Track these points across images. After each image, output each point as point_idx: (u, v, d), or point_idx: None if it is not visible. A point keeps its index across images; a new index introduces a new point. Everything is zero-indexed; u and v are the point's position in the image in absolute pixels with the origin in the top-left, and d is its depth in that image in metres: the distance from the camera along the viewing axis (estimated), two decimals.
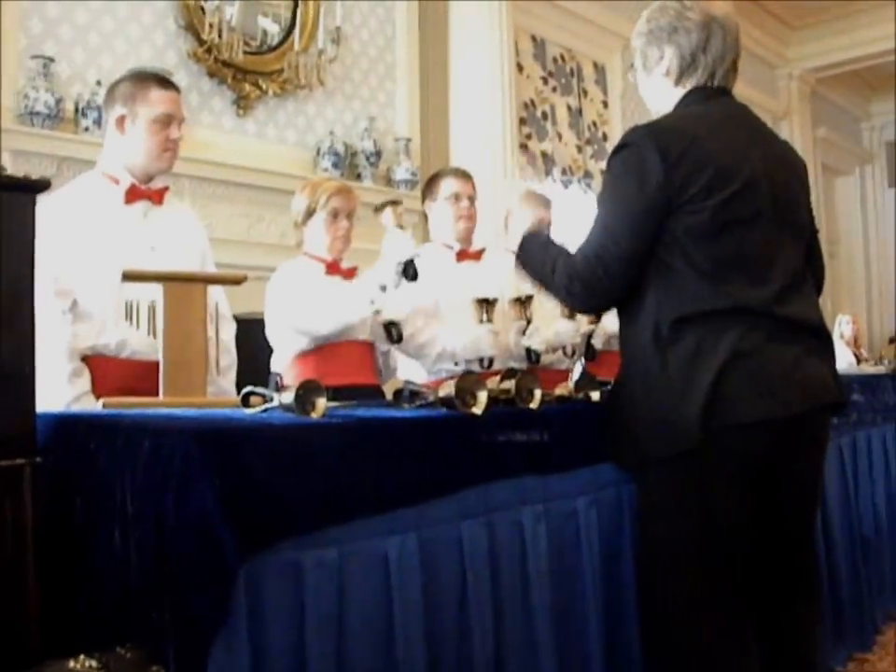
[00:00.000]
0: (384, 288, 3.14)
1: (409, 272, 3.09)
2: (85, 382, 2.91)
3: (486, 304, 3.53)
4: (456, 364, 3.69)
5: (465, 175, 4.04)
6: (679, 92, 2.48)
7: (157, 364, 2.73)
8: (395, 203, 3.21)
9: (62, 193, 3.08)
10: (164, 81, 3.15)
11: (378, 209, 3.21)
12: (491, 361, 3.64)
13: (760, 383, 2.22)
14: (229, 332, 3.34)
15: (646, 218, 2.28)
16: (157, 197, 3.15)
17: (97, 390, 2.90)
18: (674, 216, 2.26)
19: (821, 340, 2.42)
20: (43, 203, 2.95)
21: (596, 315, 2.29)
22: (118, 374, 2.94)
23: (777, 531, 2.41)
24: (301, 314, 3.28)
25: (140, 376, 2.86)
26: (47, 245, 2.83)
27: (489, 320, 3.54)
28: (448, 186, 3.97)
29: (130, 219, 3.07)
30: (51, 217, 2.93)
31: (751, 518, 2.32)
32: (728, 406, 2.20)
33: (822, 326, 2.44)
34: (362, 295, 3.20)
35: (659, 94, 2.54)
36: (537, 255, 2.55)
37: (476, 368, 3.57)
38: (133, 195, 3.08)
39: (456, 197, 3.95)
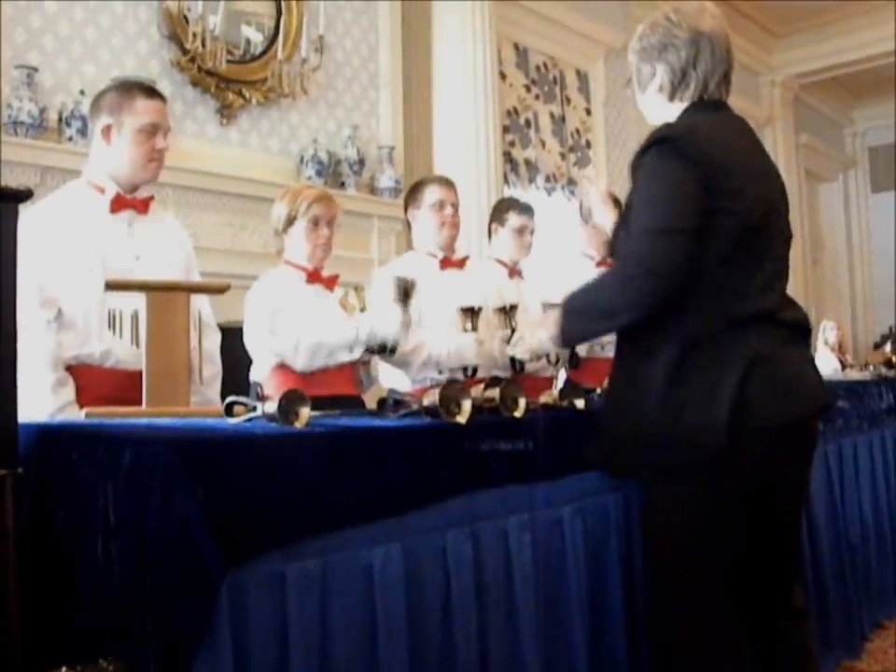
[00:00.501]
0: (351, 348, 3.24)
1: (383, 348, 3.21)
2: (69, 391, 2.90)
3: (471, 313, 3.52)
4: (440, 372, 3.69)
5: (448, 183, 4.05)
6: (676, 107, 2.51)
7: (142, 374, 2.73)
8: (357, 287, 3.25)
9: (47, 202, 3.07)
10: (150, 91, 3.14)
11: (343, 298, 3.22)
12: (475, 370, 3.65)
13: (777, 386, 2.28)
14: (213, 342, 3.33)
15: (695, 202, 2.27)
16: (142, 206, 3.14)
17: (82, 400, 2.88)
18: (710, 216, 2.27)
19: (809, 344, 2.52)
20: (28, 211, 2.98)
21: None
22: (102, 384, 2.92)
23: (769, 531, 2.44)
24: (281, 344, 3.30)
25: (125, 386, 2.85)
26: (31, 253, 2.83)
27: (473, 329, 3.53)
28: (432, 193, 3.98)
29: (115, 229, 3.06)
30: (36, 226, 2.92)
31: (751, 519, 2.35)
32: (751, 410, 2.23)
33: (810, 330, 2.51)
34: (345, 341, 3.25)
35: (655, 110, 2.57)
36: (578, 303, 2.49)
37: (460, 376, 3.57)
38: (118, 204, 3.07)
39: (440, 205, 3.96)
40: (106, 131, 3.05)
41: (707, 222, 2.25)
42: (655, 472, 2.36)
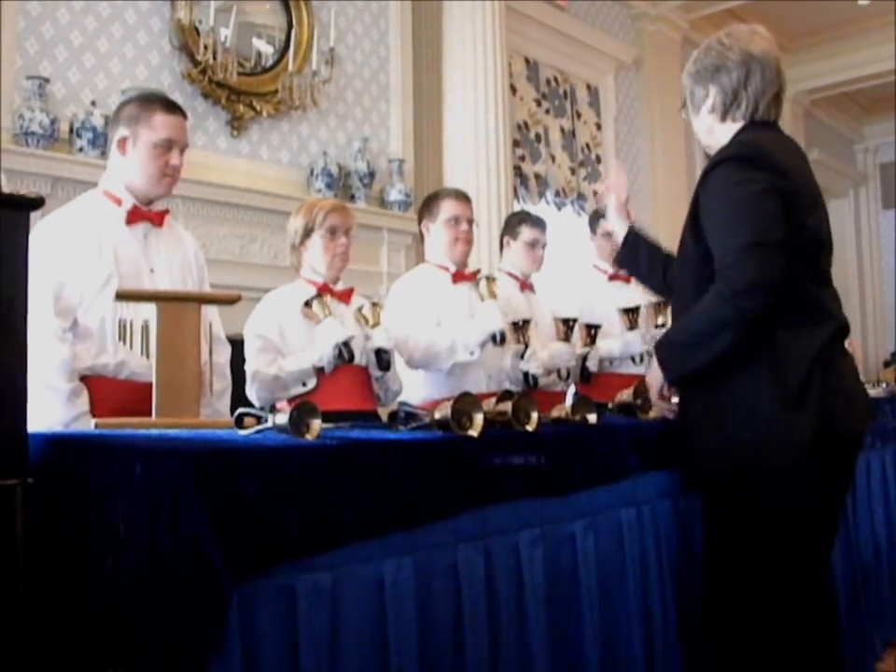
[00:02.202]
0: (321, 369, 3.28)
1: (344, 354, 3.24)
2: (84, 402, 2.88)
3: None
4: (472, 354, 3.73)
5: (465, 198, 4.05)
6: (727, 127, 2.63)
7: None
8: (320, 295, 3.30)
9: (64, 211, 3.07)
10: (170, 106, 3.13)
11: (307, 303, 3.29)
12: (503, 337, 3.73)
13: (845, 398, 2.43)
14: (224, 355, 3.32)
15: (780, 216, 2.37)
16: (158, 219, 3.13)
17: (96, 411, 2.86)
18: (788, 231, 2.37)
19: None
20: (46, 220, 2.97)
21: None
22: (116, 396, 2.90)
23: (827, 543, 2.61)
24: (248, 372, 3.36)
25: (139, 398, 2.83)
26: (48, 262, 2.83)
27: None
28: (448, 208, 3.98)
29: (130, 240, 3.05)
30: (53, 235, 2.92)
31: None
32: (831, 420, 2.37)
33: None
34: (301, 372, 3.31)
35: (708, 130, 2.71)
36: (677, 336, 2.62)
37: (491, 348, 3.75)
38: (134, 216, 3.06)
39: (456, 220, 3.96)
40: (122, 142, 3.04)
41: (789, 236, 2.35)
42: (747, 480, 2.43)
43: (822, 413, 2.35)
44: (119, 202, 3.05)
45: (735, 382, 2.42)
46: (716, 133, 2.67)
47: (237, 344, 3.44)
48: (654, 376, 2.67)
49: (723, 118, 2.64)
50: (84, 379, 2.92)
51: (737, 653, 2.46)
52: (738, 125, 2.61)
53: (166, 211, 3.18)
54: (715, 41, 2.68)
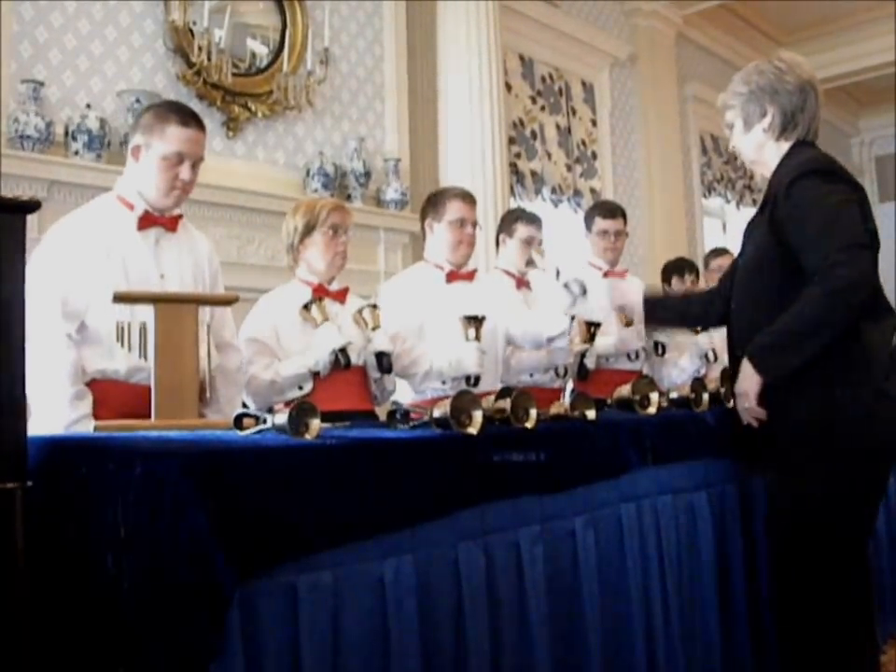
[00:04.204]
0: (316, 374, 3.28)
1: (340, 360, 3.24)
2: (86, 405, 2.85)
3: (475, 322, 3.52)
4: (444, 383, 3.68)
5: (471, 200, 4.02)
6: (780, 146, 2.86)
7: None
8: (319, 299, 3.29)
9: (76, 215, 3.05)
10: (187, 118, 3.06)
11: (306, 307, 3.28)
12: (477, 379, 3.62)
13: None
14: (234, 361, 3.27)
15: (863, 221, 2.65)
16: (171, 224, 3.10)
17: (105, 414, 2.82)
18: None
19: None
20: (58, 224, 2.97)
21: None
22: (125, 400, 2.87)
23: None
24: (252, 385, 3.35)
25: (148, 402, 2.83)
26: (57, 265, 2.82)
27: (476, 338, 3.53)
28: (455, 210, 3.94)
29: (141, 246, 3.03)
30: (64, 238, 2.90)
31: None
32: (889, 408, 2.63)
33: None
34: (301, 372, 3.31)
35: (758, 147, 2.91)
36: (775, 338, 2.71)
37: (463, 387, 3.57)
38: (145, 222, 3.03)
39: (461, 223, 3.93)
40: (136, 150, 3.03)
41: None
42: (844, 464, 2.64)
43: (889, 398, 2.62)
44: (131, 207, 3.03)
45: (832, 378, 2.62)
46: (765, 150, 2.87)
47: None
48: (750, 382, 2.73)
49: (779, 137, 2.84)
50: (92, 382, 2.91)
51: (804, 631, 2.69)
52: (788, 144, 2.84)
53: (180, 216, 3.15)
54: (767, 64, 2.86)
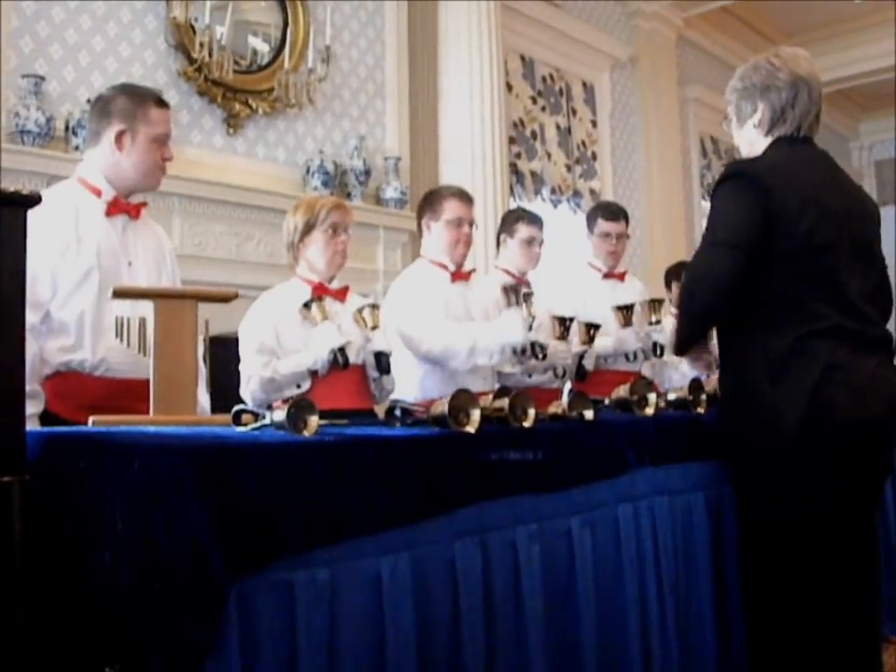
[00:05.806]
0: (315, 372, 3.26)
1: (339, 359, 3.22)
2: (36, 405, 2.76)
3: (514, 292, 3.76)
4: (492, 358, 3.79)
5: (469, 200, 4.02)
6: (769, 142, 2.85)
7: (135, 382, 2.75)
8: (320, 298, 3.28)
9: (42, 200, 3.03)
10: (161, 100, 3.15)
11: (306, 305, 3.26)
12: (543, 349, 3.79)
13: (852, 388, 2.58)
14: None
15: (754, 230, 2.61)
16: (135, 212, 3.11)
17: (67, 408, 2.81)
18: (771, 239, 2.60)
19: (891, 355, 2.80)
20: None
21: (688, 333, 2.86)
22: (93, 392, 2.85)
23: (853, 522, 2.72)
24: (243, 376, 3.34)
25: (117, 394, 2.82)
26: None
27: (517, 304, 3.75)
28: (452, 209, 3.95)
29: (110, 232, 3.02)
30: (30, 226, 2.88)
31: (840, 506, 2.65)
32: (827, 408, 2.55)
33: (892, 343, 2.80)
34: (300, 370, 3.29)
35: (750, 142, 2.92)
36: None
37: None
38: (114, 208, 3.04)
39: (459, 222, 3.93)
40: (119, 137, 3.02)
41: (769, 244, 2.59)
42: (747, 454, 2.71)
43: (816, 402, 2.54)
44: (98, 192, 3.03)
45: (744, 374, 2.70)
46: (756, 145, 2.87)
47: (232, 342, 3.44)
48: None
49: (768, 132, 2.84)
50: (56, 374, 2.88)
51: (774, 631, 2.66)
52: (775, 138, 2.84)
53: (144, 204, 3.17)
54: (763, 60, 2.86)
